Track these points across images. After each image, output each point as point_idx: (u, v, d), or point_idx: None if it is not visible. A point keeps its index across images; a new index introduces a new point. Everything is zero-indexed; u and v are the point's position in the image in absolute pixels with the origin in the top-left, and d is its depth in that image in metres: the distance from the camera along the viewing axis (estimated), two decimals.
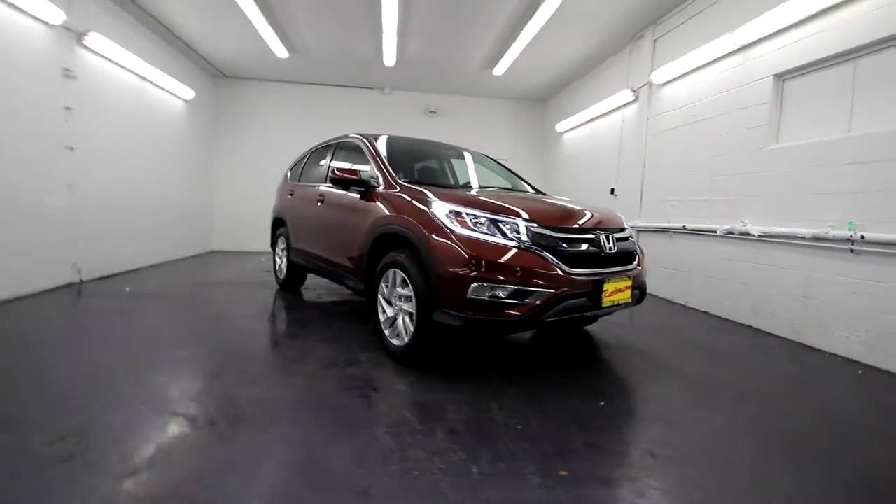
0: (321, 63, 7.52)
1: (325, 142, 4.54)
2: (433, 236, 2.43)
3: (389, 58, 6.89)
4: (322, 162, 4.27)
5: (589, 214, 2.77)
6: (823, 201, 3.43)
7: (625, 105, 6.33)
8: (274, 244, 5.20)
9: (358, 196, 3.28)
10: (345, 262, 3.40)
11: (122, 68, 5.51)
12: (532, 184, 4.10)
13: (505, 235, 2.38)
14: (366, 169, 3.41)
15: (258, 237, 8.71)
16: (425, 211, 2.56)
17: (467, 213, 2.43)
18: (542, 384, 2.51)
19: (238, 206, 8.70)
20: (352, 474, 1.57)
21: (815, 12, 3.46)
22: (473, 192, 3.02)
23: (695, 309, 4.72)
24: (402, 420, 2.01)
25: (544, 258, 2.36)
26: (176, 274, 5.87)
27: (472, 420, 2.04)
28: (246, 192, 8.70)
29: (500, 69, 7.28)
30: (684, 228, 4.88)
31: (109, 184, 5.33)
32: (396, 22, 5.60)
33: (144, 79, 6.00)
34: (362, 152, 3.60)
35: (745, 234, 4.08)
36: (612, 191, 6.57)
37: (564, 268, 2.38)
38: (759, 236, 3.92)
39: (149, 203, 6.26)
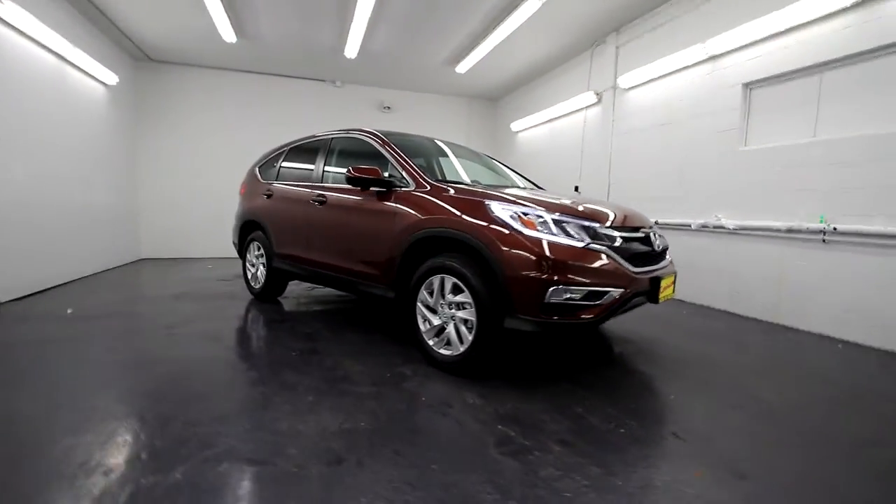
0: (273, 51, 6.89)
1: (311, 138, 4.15)
2: (500, 239, 2.31)
3: (352, 49, 6.51)
4: (314, 160, 3.89)
5: (633, 213, 2.83)
6: (793, 198, 3.87)
7: (587, 107, 6.64)
8: (244, 251, 4.65)
9: (376, 197, 3.04)
10: (363, 268, 3.13)
11: (38, 45, 4.55)
12: (536, 182, 4.12)
13: (570, 236, 2.33)
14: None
15: (199, 241, 7.83)
16: (484, 213, 2.43)
17: (535, 215, 2.35)
18: (603, 382, 2.52)
19: (172, 206, 7.69)
20: None
21: (782, 30, 3.89)
22: (513, 190, 2.92)
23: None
24: (505, 437, 1.88)
25: (613, 258, 2.36)
26: (116, 288, 5.02)
27: (573, 429, 1.97)
28: (181, 191, 7.73)
29: (463, 67, 7.24)
30: (656, 223, 5.24)
31: (21, 183, 4.38)
32: (371, 10, 5.29)
33: (62, 58, 5.02)
34: (373, 150, 3.34)
35: (719, 228, 4.48)
36: (577, 188, 6.86)
37: (630, 267, 2.41)
38: (734, 229, 4.33)
39: (69, 205, 5.26)
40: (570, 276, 2.21)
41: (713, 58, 4.57)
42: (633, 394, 2.38)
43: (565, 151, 7.18)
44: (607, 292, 2.29)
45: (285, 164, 4.34)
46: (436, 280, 2.61)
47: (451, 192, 2.72)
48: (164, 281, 5.53)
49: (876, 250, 3.31)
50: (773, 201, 4.02)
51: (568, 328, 2.30)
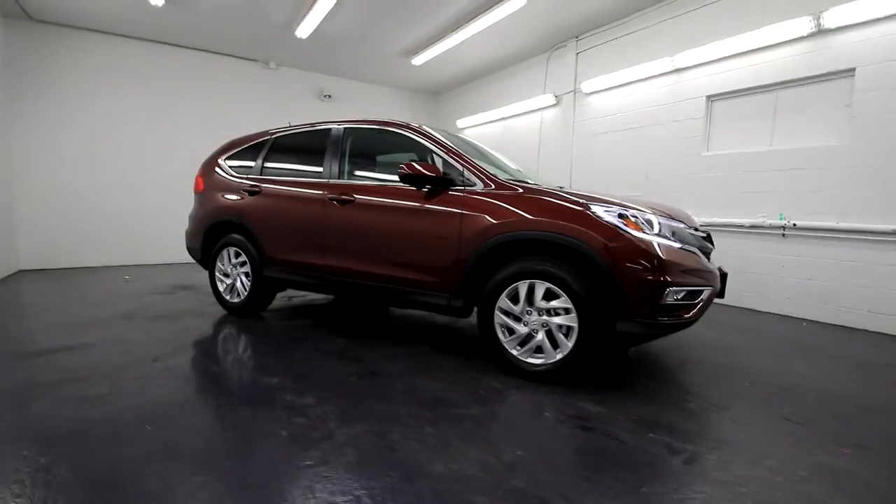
0: (205, 21, 5.85)
1: (309, 128, 3.61)
2: (612, 242, 2.25)
3: (307, 28, 5.84)
4: (322, 154, 3.37)
5: (684, 212, 2.98)
6: (752, 198, 4.49)
7: (545, 108, 6.90)
8: (212, 259, 3.89)
9: (429, 198, 2.77)
10: (415, 275, 2.82)
11: None
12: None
13: (665, 236, 2.38)
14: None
15: (100, 247, 6.38)
16: (587, 215, 2.34)
17: (643, 218, 2.34)
18: (671, 381, 2.64)
19: (64, 204, 6.14)
20: None
21: (745, 50, 4.45)
22: (555, 187, 2.85)
23: None
24: (670, 447, 1.84)
25: (700, 256, 2.46)
26: (25, 311, 3.83)
27: (700, 424, 2.02)
28: (76, 186, 6.21)
29: (421, 59, 6.98)
30: None
31: None
32: None
33: None
34: (413, 146, 3.05)
35: None
36: (561, 188, 7.09)
37: (710, 265, 2.54)
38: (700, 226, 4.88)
39: None
40: (678, 276, 2.26)
41: (678, 70, 5.06)
42: (715, 388, 2.54)
43: (521, 150, 7.36)
44: (702, 291, 2.39)
45: (273, 156, 3.72)
46: (522, 286, 2.46)
47: (521, 191, 2.59)
48: (87, 299, 4.38)
49: (829, 242, 3.99)
50: (736, 201, 4.62)
51: (672, 329, 2.35)
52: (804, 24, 3.94)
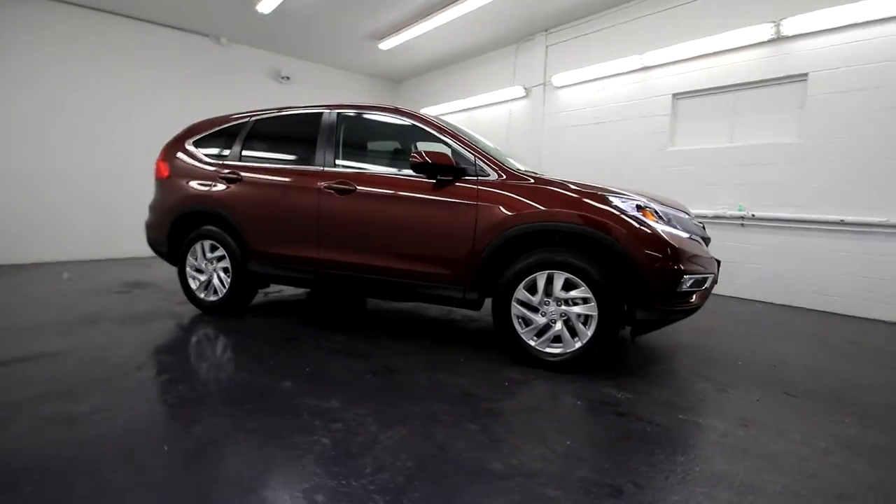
0: None
1: (294, 111, 3.37)
2: (634, 233, 2.31)
3: (271, 2, 5.42)
4: (313, 140, 3.15)
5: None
6: (715, 190, 4.84)
7: (514, 99, 6.95)
8: (182, 253, 3.53)
9: (440, 188, 2.69)
10: (426, 268, 2.74)
11: None
12: None
13: (675, 226, 2.48)
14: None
15: (17, 242, 5.59)
16: (609, 207, 2.39)
17: (654, 209, 2.42)
18: (675, 364, 2.80)
19: None
20: None
21: (709, 52, 4.74)
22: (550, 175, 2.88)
23: None
24: (704, 426, 1.94)
25: (703, 245, 2.60)
26: None
27: (719, 400, 2.16)
28: None
29: (388, 44, 6.76)
30: None
31: None
32: None
33: None
34: (416, 133, 2.93)
35: None
36: None
37: (710, 253, 2.69)
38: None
39: None
40: (690, 264, 2.37)
41: (646, 68, 5.30)
42: (702, 363, 2.72)
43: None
44: (707, 278, 2.53)
45: (254, 142, 3.43)
46: (540, 277, 2.47)
47: (532, 181, 2.59)
48: (31, 301, 3.82)
49: (784, 231, 4.40)
50: (700, 193, 4.95)
51: (683, 315, 2.46)
52: (765, 31, 4.28)
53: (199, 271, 3.51)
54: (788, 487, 1.51)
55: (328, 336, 3.04)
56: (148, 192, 3.83)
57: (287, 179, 3.16)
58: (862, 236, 3.96)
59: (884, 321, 3.89)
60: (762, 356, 2.93)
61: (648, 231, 2.32)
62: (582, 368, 2.48)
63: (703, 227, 2.96)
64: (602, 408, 2.09)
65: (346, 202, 2.93)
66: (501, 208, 2.55)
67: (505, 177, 2.64)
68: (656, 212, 2.43)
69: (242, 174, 3.31)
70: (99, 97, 6.00)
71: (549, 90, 6.42)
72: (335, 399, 2.09)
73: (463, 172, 2.68)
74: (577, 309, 2.43)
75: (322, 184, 2.99)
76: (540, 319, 2.50)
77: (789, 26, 4.15)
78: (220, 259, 3.41)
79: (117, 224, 6.07)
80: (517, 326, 2.55)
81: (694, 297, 2.47)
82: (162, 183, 3.66)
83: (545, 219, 2.46)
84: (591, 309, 2.39)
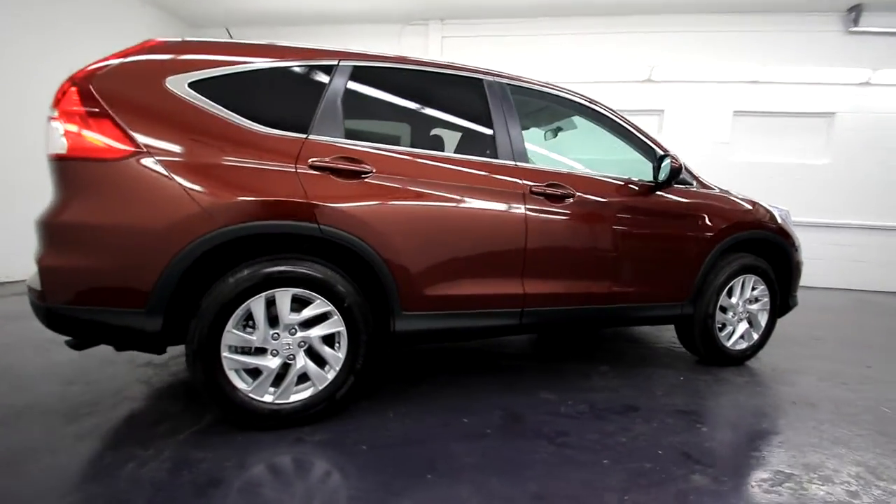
0: None
1: (440, 68, 2.21)
2: (792, 237, 2.85)
3: None
4: (495, 121, 2.17)
5: None
6: None
7: None
8: (220, 321, 1.65)
9: (653, 195, 2.50)
10: (652, 288, 2.47)
11: None
12: None
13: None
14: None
15: None
16: (774, 215, 2.81)
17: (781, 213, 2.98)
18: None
19: None
20: None
21: (596, 80, 5.82)
22: None
23: None
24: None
25: None
26: None
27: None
28: None
29: None
30: None
31: None
32: None
33: None
34: (610, 125, 2.57)
35: None
36: None
37: None
38: None
39: None
40: None
41: None
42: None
43: None
44: None
45: (356, 107, 1.99)
46: (738, 282, 2.68)
47: (717, 191, 2.73)
48: None
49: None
50: None
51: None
52: (644, 72, 5.67)
53: (261, 351, 1.76)
54: None
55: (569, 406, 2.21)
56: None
57: (470, 175, 2.05)
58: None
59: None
60: (798, 333, 3.69)
61: (792, 234, 2.90)
62: (734, 362, 2.77)
63: None
64: (803, 406, 2.53)
65: (564, 213, 2.20)
66: (716, 218, 2.58)
67: (699, 185, 2.68)
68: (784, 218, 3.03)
69: (369, 166, 1.86)
70: None
71: None
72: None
73: (683, 180, 2.55)
74: (755, 306, 2.77)
75: (531, 184, 2.12)
76: (731, 318, 2.72)
77: (655, 73, 5.66)
78: (315, 322, 1.81)
79: None
80: (717, 332, 2.66)
81: None
82: (117, 172, 1.58)
83: (755, 227, 2.68)
84: (765, 305, 2.78)
